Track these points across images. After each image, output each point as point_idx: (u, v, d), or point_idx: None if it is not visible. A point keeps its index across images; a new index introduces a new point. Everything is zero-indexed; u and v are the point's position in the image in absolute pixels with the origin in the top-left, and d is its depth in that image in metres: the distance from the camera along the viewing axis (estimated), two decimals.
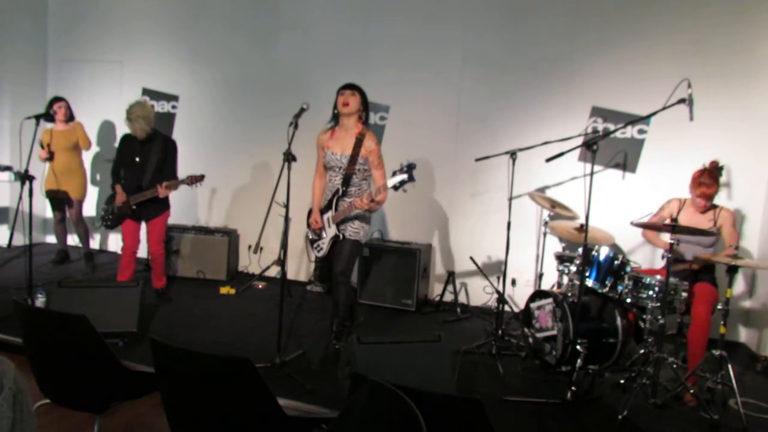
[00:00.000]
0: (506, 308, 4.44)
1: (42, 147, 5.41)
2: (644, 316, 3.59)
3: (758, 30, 4.49)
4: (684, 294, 3.46)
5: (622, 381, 3.52)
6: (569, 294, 3.72)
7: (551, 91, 5.05)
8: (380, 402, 1.57)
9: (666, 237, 3.36)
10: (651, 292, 3.48)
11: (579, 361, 3.37)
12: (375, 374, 1.70)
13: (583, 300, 3.53)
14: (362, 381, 1.69)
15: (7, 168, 5.75)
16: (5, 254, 5.84)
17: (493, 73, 5.24)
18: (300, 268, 5.95)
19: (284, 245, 4.20)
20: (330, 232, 3.68)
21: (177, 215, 4.84)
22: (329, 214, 3.67)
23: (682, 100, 3.38)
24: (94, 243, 6.63)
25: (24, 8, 6.56)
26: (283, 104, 4.69)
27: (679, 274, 3.68)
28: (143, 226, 4.72)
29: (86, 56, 6.68)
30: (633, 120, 4.47)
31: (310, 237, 3.82)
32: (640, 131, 4.82)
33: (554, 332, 3.60)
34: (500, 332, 4.12)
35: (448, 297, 5.26)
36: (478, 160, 4.58)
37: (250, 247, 5.75)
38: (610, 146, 4.82)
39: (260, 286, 5.54)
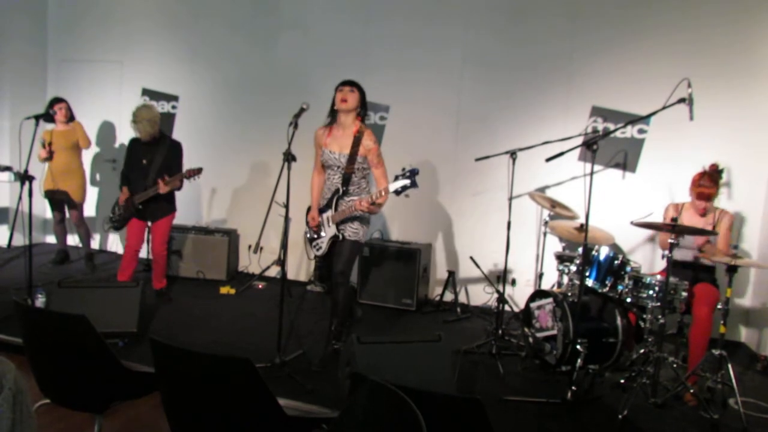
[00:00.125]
0: (506, 308, 4.44)
1: (43, 146, 5.41)
2: (644, 316, 3.59)
3: (758, 30, 4.49)
4: (684, 294, 3.46)
5: (622, 381, 3.52)
6: (569, 294, 3.72)
7: (551, 91, 5.05)
8: (380, 402, 1.57)
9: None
10: (651, 292, 3.48)
11: (579, 360, 3.37)
12: (375, 374, 1.70)
13: (583, 300, 3.53)
14: (362, 381, 1.68)
15: (7, 168, 5.75)
16: (5, 254, 5.84)
17: (493, 73, 5.24)
18: (300, 268, 5.95)
19: (284, 245, 4.20)
20: (329, 231, 3.66)
21: (177, 215, 4.83)
22: (328, 213, 3.65)
23: (682, 100, 3.38)
24: (94, 243, 6.64)
25: (24, 8, 6.56)
26: (283, 104, 4.69)
27: (680, 274, 3.67)
28: (148, 227, 4.74)
29: (86, 56, 6.68)
30: (633, 120, 4.47)
31: (309, 235, 3.80)
32: (640, 131, 4.82)
33: (554, 332, 3.60)
34: (500, 332, 4.12)
35: (449, 297, 5.26)
36: (478, 159, 4.58)
37: (250, 247, 5.75)
38: (610, 146, 4.82)
39: (260, 286, 5.54)
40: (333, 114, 3.63)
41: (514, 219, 4.27)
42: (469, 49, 5.29)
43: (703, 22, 4.60)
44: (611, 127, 4.73)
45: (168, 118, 6.30)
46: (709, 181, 3.70)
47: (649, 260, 4.76)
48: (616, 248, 4.63)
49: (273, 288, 5.47)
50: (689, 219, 3.81)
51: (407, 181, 3.17)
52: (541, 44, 5.06)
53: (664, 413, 3.22)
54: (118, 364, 2.21)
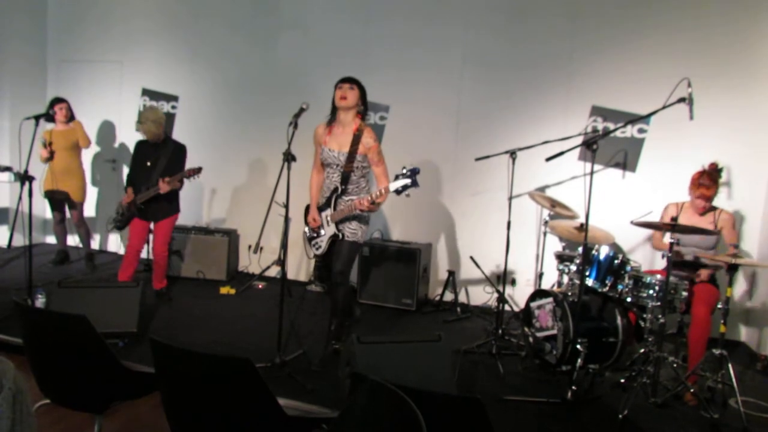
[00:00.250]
0: (506, 308, 4.44)
1: (44, 146, 5.41)
2: (644, 316, 3.59)
3: (758, 29, 4.49)
4: (684, 293, 3.46)
5: (622, 380, 3.52)
6: (569, 293, 3.72)
7: (551, 91, 5.05)
8: (380, 402, 1.57)
9: (668, 239, 3.35)
10: (651, 292, 3.48)
11: (579, 360, 3.37)
12: (375, 374, 1.70)
13: (583, 299, 3.53)
14: (362, 381, 1.68)
15: (7, 168, 5.75)
16: (5, 255, 5.84)
17: (493, 72, 5.24)
18: (300, 268, 5.95)
19: (284, 245, 4.20)
20: (329, 230, 3.65)
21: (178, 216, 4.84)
22: (328, 212, 3.64)
23: (682, 100, 3.38)
24: (95, 243, 6.64)
25: (24, 8, 6.56)
26: (283, 104, 4.69)
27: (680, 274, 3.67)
28: (150, 228, 4.78)
29: (86, 56, 6.68)
30: (633, 119, 4.47)
31: (308, 234, 3.80)
32: (640, 130, 4.82)
33: (554, 331, 3.60)
34: (500, 332, 4.12)
35: (449, 297, 5.26)
36: (478, 159, 4.58)
37: (250, 247, 5.75)
38: (610, 145, 4.82)
39: (260, 286, 5.54)
40: (334, 112, 3.61)
41: (514, 219, 4.27)
42: (469, 49, 5.29)
43: (703, 21, 4.60)
44: (611, 126, 4.73)
45: (168, 119, 6.29)
46: (708, 180, 3.70)
47: (649, 260, 4.76)
48: (616, 248, 4.64)
49: (273, 288, 5.47)
50: (689, 218, 3.80)
51: (408, 181, 3.16)
52: (541, 44, 5.06)
53: (664, 413, 3.22)
54: (118, 364, 2.21)
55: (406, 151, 5.15)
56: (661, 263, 4.34)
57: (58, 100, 5.52)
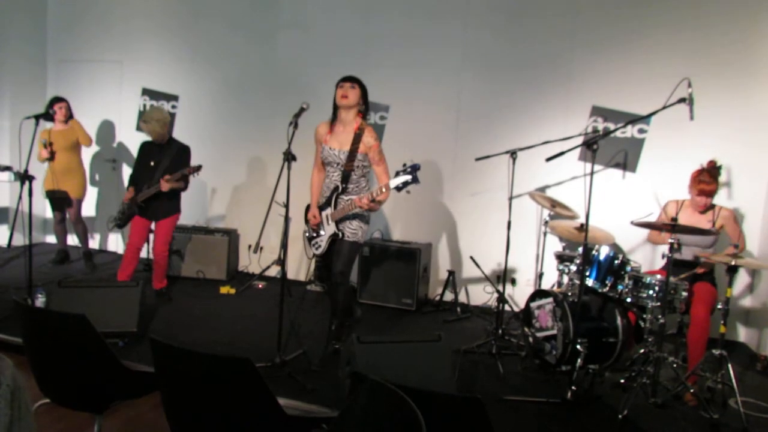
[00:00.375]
0: (506, 308, 4.44)
1: (45, 146, 5.40)
2: (644, 316, 3.59)
3: (759, 29, 4.49)
4: (684, 293, 3.45)
5: (622, 380, 3.52)
6: (569, 293, 3.72)
7: (551, 91, 5.05)
8: (380, 401, 1.57)
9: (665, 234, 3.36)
10: (651, 292, 3.47)
11: (579, 360, 3.37)
12: (375, 374, 1.70)
13: (583, 299, 3.53)
14: (362, 380, 1.68)
15: (7, 168, 5.75)
16: (5, 254, 5.83)
17: (493, 72, 5.24)
18: (300, 268, 5.95)
19: (284, 245, 4.20)
20: (329, 229, 3.65)
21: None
22: (328, 211, 3.64)
23: (682, 100, 3.38)
24: (94, 243, 6.64)
25: (24, 8, 6.56)
26: (283, 104, 4.70)
27: (680, 274, 3.67)
28: (152, 228, 4.79)
29: (86, 56, 6.68)
30: (633, 119, 4.47)
31: (308, 234, 3.79)
32: (641, 131, 4.82)
33: (554, 332, 3.60)
34: (500, 332, 4.12)
35: (449, 296, 5.26)
36: (478, 159, 4.58)
37: (250, 246, 5.75)
38: (610, 146, 4.82)
39: (260, 286, 5.54)
40: (335, 110, 3.60)
41: (514, 219, 4.27)
42: (469, 49, 5.29)
43: (703, 21, 4.59)
44: (611, 126, 4.73)
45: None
46: (708, 177, 3.71)
47: (649, 260, 4.76)
48: (616, 248, 4.63)
49: (273, 288, 5.47)
50: (689, 217, 3.80)
51: (408, 177, 3.15)
52: (541, 44, 5.06)
53: (664, 413, 3.22)
54: (118, 363, 2.21)
55: (407, 151, 5.11)
56: (661, 263, 4.34)
57: (57, 100, 5.52)
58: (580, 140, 4.31)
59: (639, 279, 3.54)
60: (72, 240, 6.13)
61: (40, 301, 4.06)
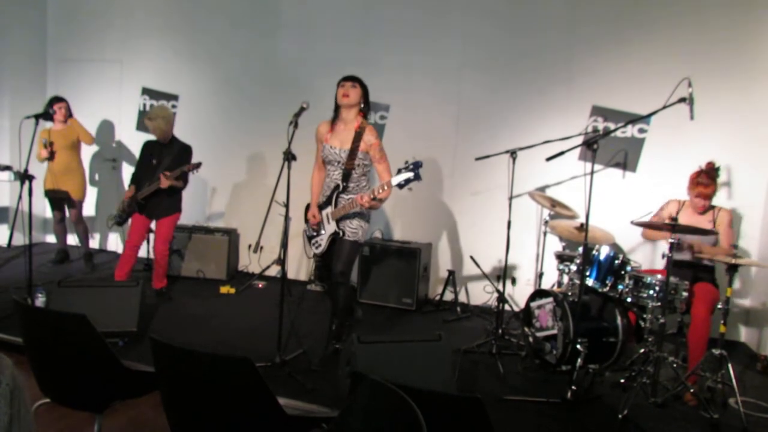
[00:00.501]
0: (506, 307, 4.44)
1: (45, 146, 5.40)
2: (644, 316, 3.59)
3: (759, 29, 4.49)
4: (684, 293, 3.45)
5: (622, 380, 3.52)
6: (569, 293, 3.72)
7: (551, 90, 5.05)
8: (380, 401, 1.57)
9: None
10: (651, 292, 3.47)
11: (579, 360, 3.37)
12: (375, 373, 1.70)
13: (583, 299, 3.53)
14: (362, 380, 1.68)
15: (7, 168, 5.74)
16: (5, 254, 5.83)
17: (493, 72, 5.24)
18: (300, 268, 5.94)
19: (284, 244, 4.20)
20: (329, 228, 3.65)
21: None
22: (328, 209, 3.63)
23: (682, 99, 3.37)
24: (94, 243, 6.63)
25: (24, 8, 6.55)
26: (283, 103, 4.69)
27: (680, 273, 3.67)
28: (152, 227, 4.80)
29: (86, 55, 6.68)
30: (633, 119, 4.47)
31: (308, 233, 3.79)
32: (641, 130, 4.82)
33: (554, 331, 3.60)
34: (500, 331, 4.12)
35: (449, 296, 5.26)
36: (478, 159, 4.57)
37: (250, 246, 5.75)
38: (610, 145, 4.81)
39: (260, 286, 5.54)
40: (336, 109, 3.61)
41: (514, 218, 4.27)
42: (470, 48, 5.29)
43: (704, 21, 4.59)
44: (611, 126, 4.73)
45: None
46: (706, 179, 3.71)
47: (649, 260, 4.76)
48: (616, 248, 4.63)
49: (273, 287, 5.47)
50: (689, 217, 3.80)
51: (410, 174, 3.15)
52: (541, 43, 5.06)
53: (664, 413, 3.22)
54: (118, 363, 2.21)
55: (407, 150, 5.10)
56: (661, 263, 4.34)
57: (56, 99, 5.52)
58: (580, 140, 4.31)
59: (639, 279, 3.54)
60: (72, 240, 6.12)
61: (40, 300, 4.06)
